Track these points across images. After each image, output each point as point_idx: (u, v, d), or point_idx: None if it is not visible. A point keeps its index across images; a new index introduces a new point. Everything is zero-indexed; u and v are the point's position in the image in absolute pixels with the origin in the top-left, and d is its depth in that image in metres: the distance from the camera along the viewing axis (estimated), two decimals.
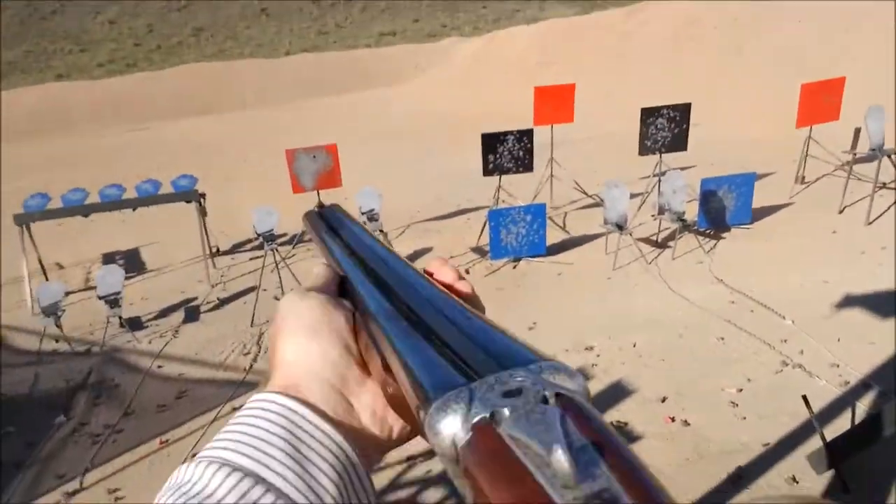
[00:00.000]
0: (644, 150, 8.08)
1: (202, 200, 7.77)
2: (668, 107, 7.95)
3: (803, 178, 8.76)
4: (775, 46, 19.32)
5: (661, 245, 7.26)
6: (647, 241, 7.40)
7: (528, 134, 7.98)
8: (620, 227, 6.75)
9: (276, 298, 6.58)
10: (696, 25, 23.66)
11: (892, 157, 7.10)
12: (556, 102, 8.92)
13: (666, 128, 7.98)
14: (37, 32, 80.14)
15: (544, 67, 29.71)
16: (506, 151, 7.98)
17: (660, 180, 7.64)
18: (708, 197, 7.33)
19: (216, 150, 20.06)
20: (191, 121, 34.05)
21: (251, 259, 8.25)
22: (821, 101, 8.49)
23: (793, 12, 20.46)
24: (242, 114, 35.37)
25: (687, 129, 8.01)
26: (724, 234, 7.40)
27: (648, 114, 7.94)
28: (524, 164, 8.02)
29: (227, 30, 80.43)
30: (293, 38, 74.26)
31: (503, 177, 8.10)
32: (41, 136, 33.85)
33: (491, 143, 7.94)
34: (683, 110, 7.94)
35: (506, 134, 7.95)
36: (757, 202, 8.13)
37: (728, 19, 22.50)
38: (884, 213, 7.20)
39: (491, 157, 7.95)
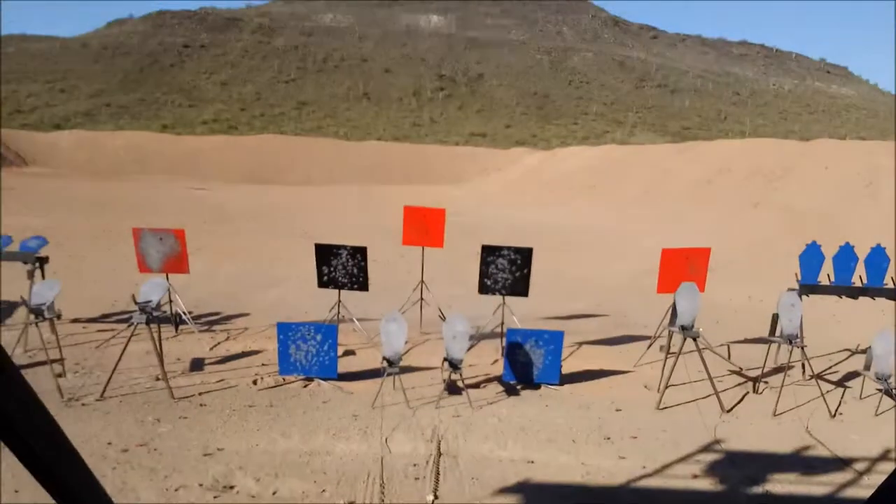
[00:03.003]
0: (483, 290, 7.84)
1: (39, 265, 8.04)
2: (509, 248, 7.74)
3: (668, 348, 8.22)
4: (788, 204, 18.71)
5: (453, 391, 6.91)
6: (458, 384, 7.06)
7: (362, 251, 7.86)
8: (391, 362, 6.54)
9: (61, 375, 6.62)
10: (725, 174, 23.28)
11: (697, 339, 6.58)
12: (425, 225, 8.81)
13: (507, 269, 7.76)
14: (153, 83, 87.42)
15: (586, 190, 29.76)
16: (339, 266, 7.95)
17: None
18: (514, 350, 7.01)
19: (247, 217, 20.94)
20: (249, 187, 35.80)
21: (99, 331, 8.40)
22: (686, 269, 8.10)
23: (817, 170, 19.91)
24: (300, 189, 36.84)
25: (528, 274, 7.74)
26: (522, 392, 6.96)
27: (489, 252, 7.74)
28: (358, 281, 7.92)
29: (329, 108, 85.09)
30: (388, 125, 77.63)
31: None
32: (115, 177, 36.33)
33: (324, 255, 7.90)
34: (526, 255, 7.69)
35: (339, 248, 7.89)
36: (605, 362, 7.72)
37: (760, 169, 22.04)
38: (673, 406, 6.65)
39: (325, 270, 7.93)
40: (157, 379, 6.62)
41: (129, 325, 6.61)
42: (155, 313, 6.51)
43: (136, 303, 6.43)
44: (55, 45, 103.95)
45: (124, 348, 6.45)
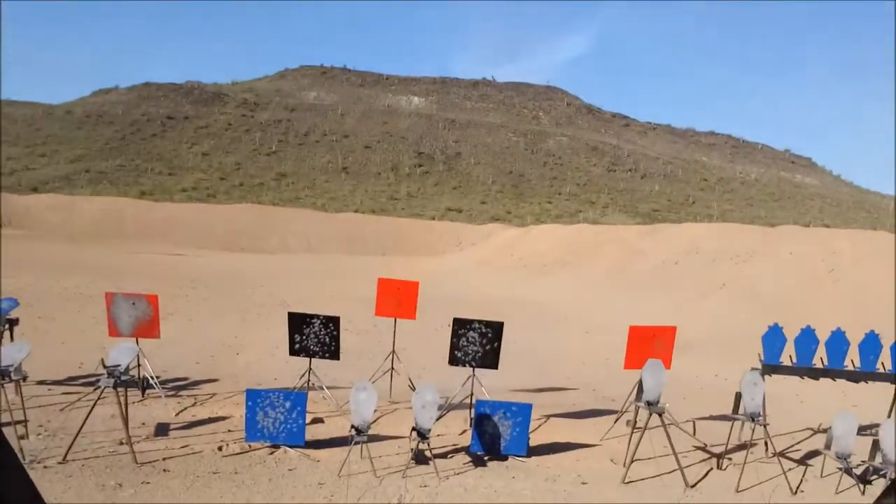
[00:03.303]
0: (454, 361, 7.92)
1: (9, 325, 8.00)
2: (480, 322, 7.87)
3: (634, 422, 8.30)
4: (752, 287, 19.14)
5: (420, 461, 6.89)
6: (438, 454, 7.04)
7: (335, 321, 7.96)
8: (359, 430, 6.54)
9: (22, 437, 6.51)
10: (693, 256, 23.82)
11: (663, 415, 6.70)
12: (399, 297, 8.95)
13: (477, 342, 7.88)
14: (135, 151, 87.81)
15: (559, 267, 30.15)
16: (312, 334, 8.01)
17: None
18: (482, 421, 7.06)
19: (222, 284, 20.84)
20: (225, 255, 35.75)
21: (64, 393, 8.28)
22: (652, 346, 8.28)
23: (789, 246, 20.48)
24: (277, 257, 36.83)
25: (498, 348, 7.86)
26: (489, 463, 6.96)
27: (460, 325, 7.87)
28: (330, 350, 7.98)
29: (308, 180, 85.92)
30: (365, 198, 78.45)
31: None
32: (93, 241, 36.08)
33: (297, 323, 7.99)
34: (497, 329, 7.83)
35: (312, 317, 7.98)
36: (572, 435, 7.77)
37: (726, 252, 22.60)
38: (638, 480, 6.70)
39: (297, 338, 7.98)
40: (122, 443, 6.55)
41: (95, 389, 6.58)
42: (123, 377, 6.50)
43: (104, 366, 6.42)
44: (39, 111, 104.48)
45: (90, 411, 6.40)
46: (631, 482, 6.57)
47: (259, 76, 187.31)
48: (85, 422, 6.31)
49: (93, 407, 6.43)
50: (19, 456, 5.99)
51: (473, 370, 8.07)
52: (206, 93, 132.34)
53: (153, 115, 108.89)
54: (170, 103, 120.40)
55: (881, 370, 8.17)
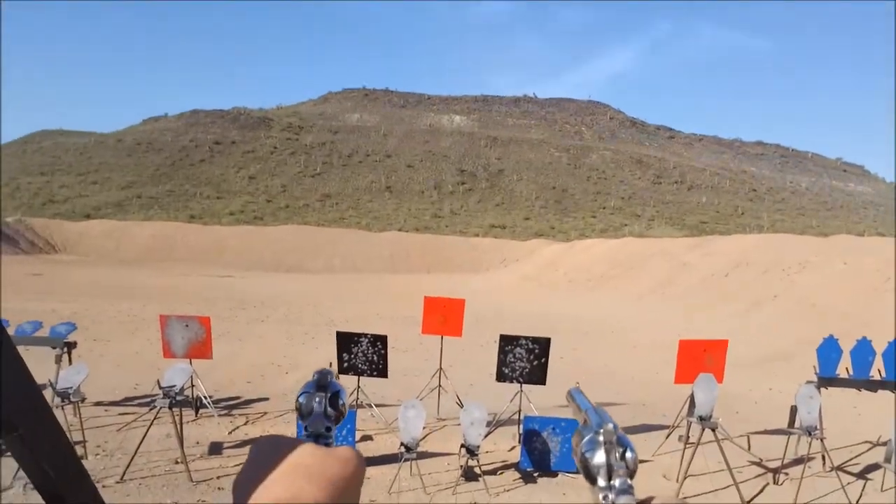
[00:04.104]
0: (501, 377, 7.91)
1: (67, 349, 8.28)
2: (527, 338, 7.85)
3: (687, 438, 8.16)
4: (805, 298, 18.66)
5: (470, 477, 6.88)
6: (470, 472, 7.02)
7: (383, 339, 8.03)
8: (409, 448, 6.57)
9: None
10: (743, 268, 23.34)
11: (716, 430, 6.57)
12: (445, 315, 9.00)
13: (525, 358, 7.86)
14: (183, 176, 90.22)
15: (605, 281, 29.85)
16: (360, 353, 8.09)
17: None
18: (531, 437, 7.02)
19: (270, 304, 21.24)
20: (273, 275, 36.34)
21: (121, 414, 8.51)
22: (703, 360, 8.14)
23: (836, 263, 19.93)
24: (323, 277, 37.27)
25: (545, 363, 7.81)
26: (539, 479, 6.91)
27: (507, 341, 7.87)
28: (378, 368, 8.03)
29: (352, 200, 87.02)
30: (409, 216, 79.03)
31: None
32: (144, 265, 37.10)
33: (345, 343, 8.07)
34: (544, 344, 7.80)
35: (360, 336, 8.07)
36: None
37: (778, 263, 22.10)
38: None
39: (346, 357, 8.07)
40: (177, 462, 6.68)
41: (151, 409, 6.75)
42: (177, 397, 6.66)
43: (160, 387, 6.59)
44: (90, 140, 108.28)
45: (146, 431, 6.56)
46: (686, 497, 6.44)
47: (303, 100, 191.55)
48: (142, 442, 6.47)
49: (149, 427, 6.59)
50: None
51: (521, 386, 8.04)
52: (251, 118, 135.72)
53: (201, 141, 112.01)
54: (217, 129, 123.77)
55: None
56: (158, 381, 6.72)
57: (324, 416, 0.67)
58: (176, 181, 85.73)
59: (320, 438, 0.64)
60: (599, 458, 0.59)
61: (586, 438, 0.62)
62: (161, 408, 6.46)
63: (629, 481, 0.58)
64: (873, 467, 7.43)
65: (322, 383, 0.69)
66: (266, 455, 0.55)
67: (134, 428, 7.67)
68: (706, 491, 6.64)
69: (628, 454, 0.60)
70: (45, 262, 35.03)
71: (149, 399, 8.56)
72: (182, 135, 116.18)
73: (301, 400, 0.68)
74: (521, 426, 7.28)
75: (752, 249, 24.99)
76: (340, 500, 0.52)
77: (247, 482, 0.53)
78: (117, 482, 6.17)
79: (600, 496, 0.58)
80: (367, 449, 7.52)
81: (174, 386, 6.72)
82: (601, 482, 0.59)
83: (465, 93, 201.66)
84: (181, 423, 6.81)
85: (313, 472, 0.53)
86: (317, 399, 0.67)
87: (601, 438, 0.61)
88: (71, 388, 6.79)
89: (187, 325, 8.33)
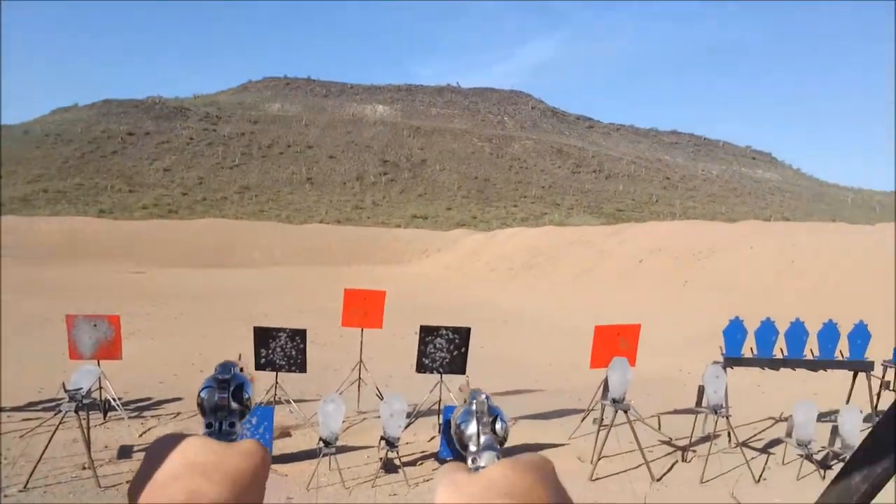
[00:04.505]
0: (421, 368, 7.95)
1: None
2: (447, 328, 7.90)
3: (601, 420, 8.41)
4: (715, 282, 19.47)
5: (389, 469, 6.90)
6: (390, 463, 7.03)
7: (301, 334, 7.91)
8: (328, 443, 6.52)
9: None
10: (657, 254, 24.15)
11: (628, 412, 6.81)
12: (365, 307, 8.95)
13: (445, 349, 7.92)
14: (94, 168, 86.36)
15: (526, 270, 30.33)
16: (278, 348, 7.97)
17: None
18: (450, 427, 7.05)
19: (185, 300, 20.54)
20: (188, 271, 35.29)
21: (24, 419, 8.09)
22: (617, 345, 8.39)
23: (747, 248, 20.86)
24: (241, 271, 36.42)
25: (465, 353, 7.90)
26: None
27: (427, 332, 7.90)
28: (297, 363, 7.94)
29: (272, 192, 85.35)
30: (330, 208, 78.12)
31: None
32: (52, 262, 35.31)
33: (263, 338, 7.93)
34: (464, 334, 7.88)
35: (278, 330, 7.96)
36: (540, 436, 7.84)
37: (689, 249, 22.96)
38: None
39: (263, 352, 7.93)
40: (84, 468, 6.43)
41: (56, 413, 6.46)
42: (84, 401, 6.40)
43: (66, 390, 6.31)
44: None
45: (51, 437, 6.29)
46: (598, 479, 6.65)
47: (222, 89, 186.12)
48: (46, 447, 6.20)
49: (54, 432, 6.32)
50: None
51: (441, 376, 8.09)
52: (167, 108, 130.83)
53: (113, 132, 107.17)
54: (130, 119, 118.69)
55: (839, 358, 8.39)
56: (64, 383, 6.45)
57: (227, 410, 0.64)
58: (86, 174, 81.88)
59: (224, 435, 0.62)
60: (472, 428, 0.61)
61: (461, 411, 0.64)
62: (67, 412, 6.20)
63: (494, 441, 0.60)
64: (776, 442, 7.85)
65: (225, 376, 0.66)
66: (162, 454, 0.53)
67: (38, 434, 7.32)
68: (619, 471, 6.86)
69: (499, 423, 0.62)
70: None
71: (54, 403, 8.16)
72: (93, 125, 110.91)
73: (203, 395, 0.65)
74: (441, 416, 7.33)
75: (666, 236, 25.91)
76: (242, 497, 0.51)
77: (142, 484, 0.51)
78: (20, 490, 5.91)
79: (469, 460, 0.59)
80: (286, 445, 7.43)
81: (81, 388, 6.45)
82: (472, 448, 0.60)
83: (389, 82, 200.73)
84: (88, 428, 6.56)
85: (212, 469, 0.51)
86: (219, 393, 0.65)
87: (474, 408, 0.63)
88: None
89: (95, 325, 7.98)
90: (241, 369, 0.73)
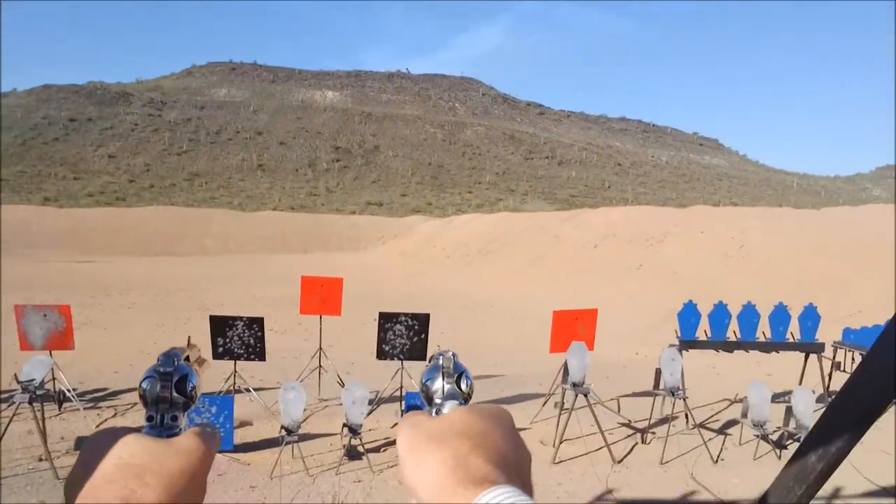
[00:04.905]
0: (382, 355, 7.94)
1: None
2: (406, 315, 7.91)
3: (562, 404, 8.54)
4: (667, 267, 19.85)
5: (353, 456, 6.89)
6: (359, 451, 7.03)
7: (259, 322, 7.82)
8: (289, 431, 6.48)
9: None
10: (610, 239, 24.50)
11: (588, 395, 6.95)
12: (323, 294, 8.89)
13: (404, 335, 7.92)
14: (36, 155, 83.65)
15: (482, 256, 30.45)
16: (235, 337, 7.85)
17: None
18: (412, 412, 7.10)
19: (136, 289, 20.04)
20: (138, 259, 34.48)
21: None
22: (575, 329, 8.50)
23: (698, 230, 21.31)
24: (193, 260, 35.75)
25: (426, 339, 7.92)
26: None
27: (386, 318, 7.89)
28: (255, 351, 7.85)
29: (222, 179, 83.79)
30: (283, 195, 77.13)
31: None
32: None
33: (220, 327, 7.81)
34: (423, 320, 7.89)
35: (235, 319, 7.83)
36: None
37: (642, 234, 23.35)
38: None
39: (220, 341, 7.81)
40: (41, 459, 6.25)
41: (9, 405, 6.27)
42: (38, 392, 6.22)
43: (18, 381, 6.14)
44: None
45: (5, 429, 6.11)
46: (561, 462, 6.73)
47: (165, 74, 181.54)
48: (0, 439, 6.01)
49: (8, 424, 6.15)
50: None
51: (402, 363, 8.08)
52: (109, 93, 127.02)
53: (54, 119, 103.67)
54: (72, 105, 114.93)
55: (791, 340, 8.64)
56: (16, 375, 6.26)
57: (169, 403, 0.61)
58: (28, 161, 79.11)
59: (165, 429, 0.59)
60: (437, 383, 0.63)
61: (428, 368, 0.66)
62: (20, 403, 6.03)
63: (459, 395, 0.62)
64: (732, 423, 8.06)
65: (167, 369, 0.63)
66: (96, 452, 0.51)
67: None
68: (581, 454, 6.96)
69: (464, 380, 0.65)
70: None
71: (6, 395, 7.90)
72: (33, 112, 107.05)
73: (144, 386, 0.62)
74: (404, 402, 7.32)
75: (619, 222, 26.31)
76: (180, 498, 0.49)
77: (77, 484, 0.49)
78: None
79: (433, 411, 0.61)
80: (248, 434, 7.33)
81: (33, 380, 6.27)
82: (437, 401, 0.62)
83: (337, 68, 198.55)
84: (43, 419, 6.36)
85: (147, 470, 0.49)
86: (161, 384, 0.62)
87: (440, 363, 0.65)
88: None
89: (45, 315, 7.73)
90: (188, 358, 0.70)
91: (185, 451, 0.53)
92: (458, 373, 0.64)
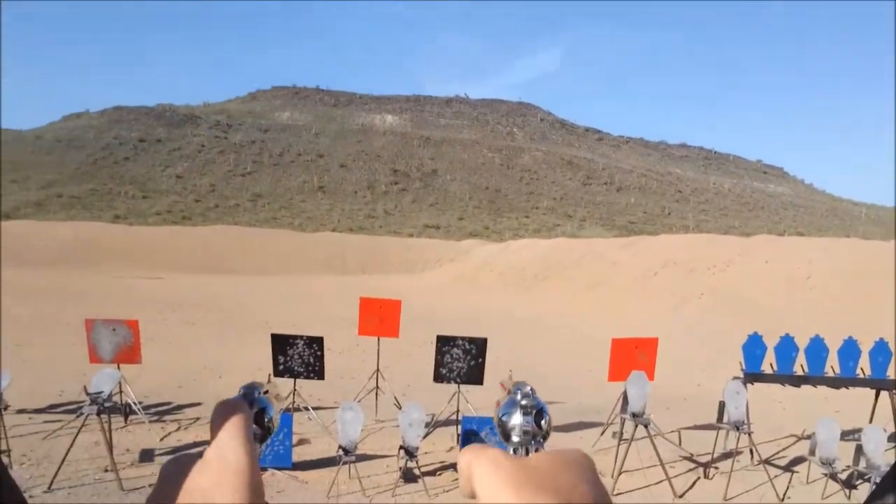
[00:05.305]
0: (439, 378, 7.94)
1: None
2: (463, 338, 7.91)
3: (621, 434, 8.36)
4: (730, 296, 19.37)
5: (409, 479, 6.89)
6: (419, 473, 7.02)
7: (319, 341, 7.96)
8: (347, 451, 6.52)
9: None
10: (671, 267, 24.06)
11: (648, 426, 6.78)
12: (381, 315, 8.96)
13: (462, 359, 7.91)
14: (107, 174, 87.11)
15: (539, 281, 30.27)
16: (296, 355, 8.00)
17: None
18: (469, 437, 7.08)
19: (201, 307, 20.61)
20: (203, 277, 35.45)
21: (46, 422, 8.14)
22: (635, 358, 8.36)
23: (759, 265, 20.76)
24: (255, 279, 36.56)
25: (483, 363, 7.89)
26: None
27: (444, 342, 7.90)
28: (315, 370, 7.95)
29: (284, 200, 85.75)
30: (343, 216, 78.38)
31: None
32: (67, 267, 35.58)
33: (281, 345, 7.96)
34: (480, 344, 7.87)
35: (296, 338, 7.98)
36: (557, 447, 7.82)
37: (703, 262, 22.86)
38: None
39: (281, 359, 7.95)
40: (107, 470, 6.45)
41: (77, 416, 6.49)
42: (105, 404, 6.43)
43: (87, 393, 6.35)
44: (8, 137, 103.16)
45: (73, 439, 6.32)
46: (619, 494, 6.60)
47: (231, 98, 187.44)
48: (69, 450, 6.23)
49: (76, 435, 6.36)
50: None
51: (459, 386, 8.08)
52: (177, 115, 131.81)
53: (125, 139, 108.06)
54: (141, 126, 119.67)
55: (861, 376, 8.31)
56: (85, 387, 6.48)
57: None
58: (99, 180, 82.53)
59: None
60: (516, 419, 0.62)
61: (504, 403, 0.65)
62: (89, 414, 6.23)
63: (539, 433, 0.61)
64: (799, 460, 7.78)
65: (249, 400, 0.67)
66: (172, 480, 0.52)
67: (60, 436, 7.36)
68: (640, 486, 6.81)
69: (543, 417, 0.63)
70: None
71: (75, 406, 8.20)
72: (105, 132, 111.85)
73: None
74: (460, 426, 7.31)
75: (679, 249, 25.82)
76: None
77: None
78: (45, 492, 5.94)
79: (511, 449, 0.61)
80: (305, 452, 7.42)
81: (102, 392, 6.49)
82: (515, 439, 0.62)
83: (397, 92, 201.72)
84: (110, 431, 6.59)
85: (212, 495, 0.51)
86: None
87: (519, 398, 0.64)
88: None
89: (115, 329, 8.04)
90: (266, 392, 0.72)
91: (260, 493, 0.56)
92: (538, 409, 0.63)
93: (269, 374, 7.53)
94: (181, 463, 0.54)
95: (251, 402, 0.64)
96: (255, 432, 0.61)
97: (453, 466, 7.17)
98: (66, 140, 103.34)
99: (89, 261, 38.72)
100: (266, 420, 0.65)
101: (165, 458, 7.07)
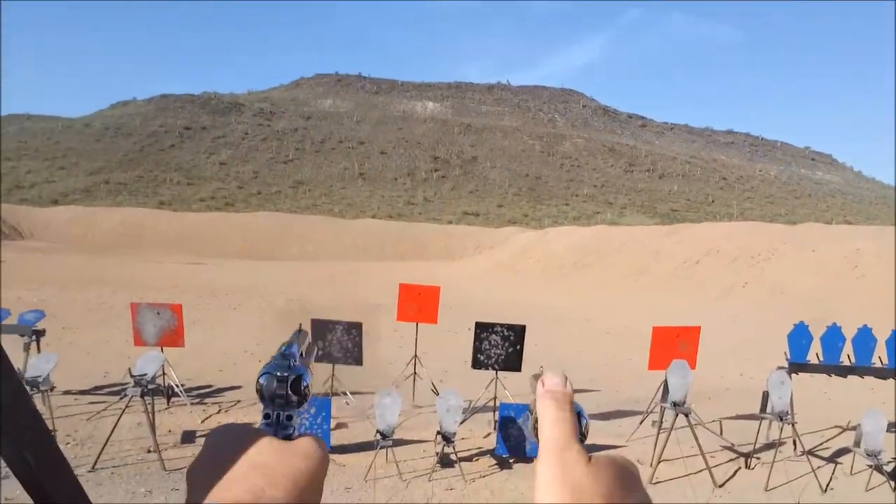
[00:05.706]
0: (477, 364, 7.93)
1: (35, 337, 8.07)
2: (502, 325, 7.86)
3: (661, 423, 8.23)
4: (775, 285, 18.95)
5: (445, 464, 6.90)
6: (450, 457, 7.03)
7: (357, 327, 7.99)
8: (385, 435, 6.56)
9: None
10: (714, 255, 23.62)
11: (689, 415, 6.65)
12: (420, 302, 8.98)
13: (500, 345, 7.88)
14: (153, 161, 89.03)
15: (578, 269, 30.04)
16: (335, 340, 8.04)
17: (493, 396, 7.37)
18: (506, 423, 7.05)
19: (242, 292, 21.00)
20: (245, 262, 36.00)
21: (91, 403, 8.35)
22: (676, 347, 8.22)
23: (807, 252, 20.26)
24: (296, 264, 36.98)
25: (521, 350, 7.84)
26: (514, 465, 6.96)
27: (482, 328, 7.87)
28: (353, 356, 8.01)
29: (325, 187, 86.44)
30: (382, 203, 78.72)
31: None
32: (114, 252, 36.48)
33: (320, 330, 8.01)
34: (519, 331, 7.81)
35: (335, 323, 8.04)
36: (598, 437, 7.73)
37: (748, 251, 22.39)
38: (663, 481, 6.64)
39: (320, 344, 8.00)
40: (149, 451, 6.60)
41: (122, 398, 6.64)
42: (149, 386, 6.56)
43: (132, 375, 6.49)
44: (58, 125, 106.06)
45: (117, 420, 6.47)
46: (659, 482, 6.52)
47: (274, 85, 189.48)
48: (113, 430, 6.38)
49: (120, 416, 6.51)
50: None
51: (496, 373, 8.06)
52: (222, 103, 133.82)
53: (171, 127, 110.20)
54: (187, 114, 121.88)
55: None
56: (130, 369, 6.62)
57: (285, 402, 0.63)
58: (145, 167, 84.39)
59: (281, 427, 0.61)
60: None
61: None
62: (132, 396, 6.37)
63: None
64: (843, 451, 7.58)
65: (283, 374, 0.64)
66: (223, 448, 0.53)
67: (104, 417, 7.55)
68: (680, 475, 6.72)
69: (582, 419, 0.62)
70: (11, 249, 34.29)
71: (119, 387, 8.41)
72: (151, 119, 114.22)
73: (262, 381, 0.64)
74: (497, 413, 7.30)
75: (723, 237, 25.31)
76: (301, 498, 0.51)
77: (202, 473, 0.52)
78: (89, 471, 6.08)
79: None
80: (343, 436, 7.49)
81: (146, 374, 6.62)
82: None
83: (439, 80, 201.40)
84: (153, 412, 6.72)
85: (273, 471, 0.52)
86: (277, 382, 0.63)
87: None
88: (40, 376, 6.66)
89: (159, 313, 8.20)
90: (302, 353, 0.71)
91: (307, 456, 0.55)
92: (576, 412, 0.62)
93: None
94: (235, 435, 0.55)
95: (287, 375, 0.64)
96: (292, 400, 0.63)
97: (490, 453, 7.16)
98: (114, 128, 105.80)
99: (135, 246, 39.64)
100: (303, 387, 0.65)
101: None
